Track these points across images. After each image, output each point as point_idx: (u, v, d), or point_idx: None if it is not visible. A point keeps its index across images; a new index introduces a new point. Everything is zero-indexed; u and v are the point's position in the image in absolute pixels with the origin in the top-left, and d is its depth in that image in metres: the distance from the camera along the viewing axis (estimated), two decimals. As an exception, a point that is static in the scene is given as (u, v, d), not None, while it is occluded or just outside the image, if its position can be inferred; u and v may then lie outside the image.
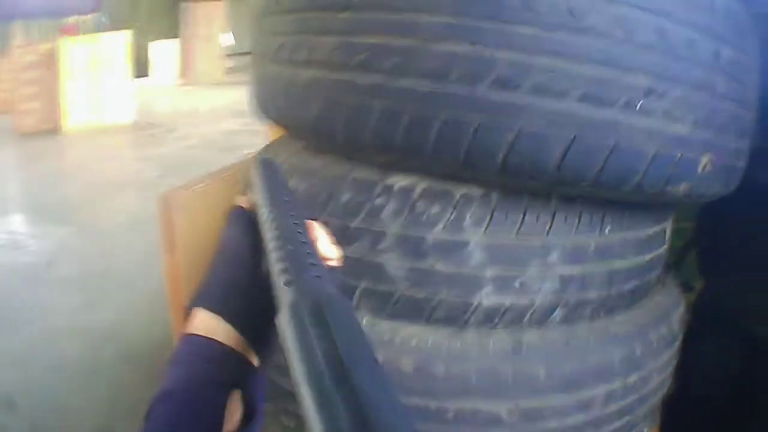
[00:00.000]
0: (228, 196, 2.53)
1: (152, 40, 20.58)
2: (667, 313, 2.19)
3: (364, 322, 1.99)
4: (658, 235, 2.13)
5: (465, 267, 1.88)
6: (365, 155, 1.97)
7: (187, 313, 0.97)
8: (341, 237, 1.92)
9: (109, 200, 8.24)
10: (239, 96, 16.68)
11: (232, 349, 0.90)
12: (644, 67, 1.72)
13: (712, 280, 2.74)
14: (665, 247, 2.20)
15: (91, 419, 3.92)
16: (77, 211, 7.82)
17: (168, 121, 14.19)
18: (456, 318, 1.95)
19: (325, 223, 1.88)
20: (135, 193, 8.52)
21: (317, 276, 0.79)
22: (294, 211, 0.99)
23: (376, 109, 1.81)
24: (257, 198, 1.08)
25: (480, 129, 1.71)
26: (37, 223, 7.45)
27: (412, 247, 1.90)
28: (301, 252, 0.85)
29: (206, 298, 0.95)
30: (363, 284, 1.98)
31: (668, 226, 2.20)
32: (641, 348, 2.05)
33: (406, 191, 1.92)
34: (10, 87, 12.85)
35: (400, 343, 1.94)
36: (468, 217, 1.88)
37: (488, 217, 1.88)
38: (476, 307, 1.92)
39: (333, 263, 1.00)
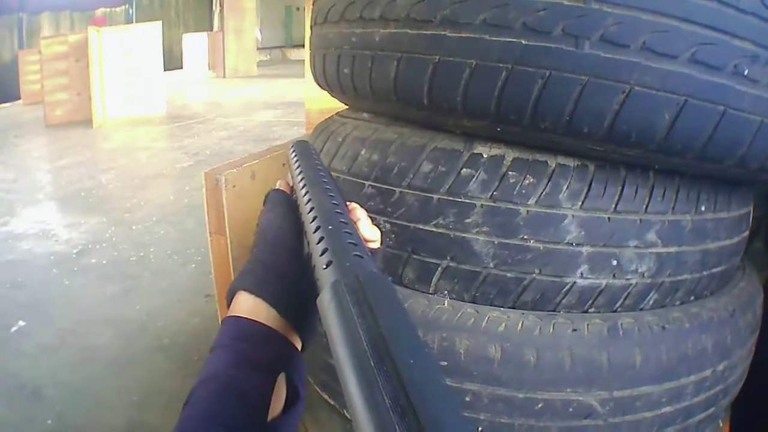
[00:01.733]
0: (276, 176, 2.40)
1: (184, 33, 20.68)
2: (752, 298, 2.06)
3: (446, 304, 1.80)
4: (744, 217, 2.01)
5: (560, 243, 1.71)
6: (450, 121, 1.78)
7: (229, 297, 0.94)
8: (422, 211, 1.78)
9: (141, 190, 8.13)
10: (271, 88, 16.88)
11: (277, 331, 0.88)
12: (749, 33, 1.59)
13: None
14: (748, 231, 2.08)
15: (121, 412, 3.69)
16: (110, 200, 7.72)
17: (200, 112, 14.22)
18: (547, 300, 1.77)
19: (403, 196, 1.73)
20: (168, 184, 8.43)
21: (358, 255, 0.77)
22: (332, 191, 0.97)
23: (468, 67, 1.62)
24: (294, 179, 1.07)
25: (586, 89, 1.54)
26: (68, 212, 7.31)
27: (503, 221, 1.71)
28: (341, 232, 0.83)
29: (249, 281, 0.92)
30: (445, 263, 1.79)
31: (751, 209, 2.08)
32: (731, 335, 1.91)
33: (496, 161, 1.74)
34: (40, 78, 12.83)
35: (485, 328, 1.75)
36: (564, 189, 1.70)
37: (585, 190, 1.71)
38: (570, 289, 1.75)
39: (374, 245, 0.99)
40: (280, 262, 0.94)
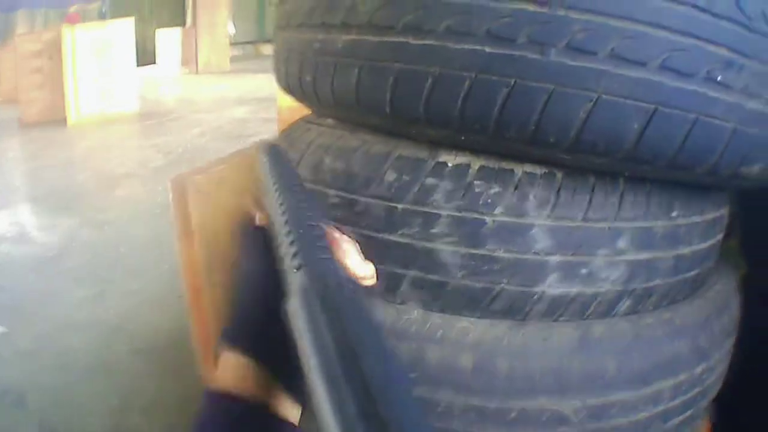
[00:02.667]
0: (245, 181, 2.38)
1: (156, 28, 20.63)
2: (727, 301, 2.07)
3: (414, 315, 1.80)
4: (718, 220, 2.01)
5: (528, 253, 1.70)
6: (413, 130, 1.78)
7: (215, 354, 0.91)
8: (386, 221, 1.77)
9: (116, 190, 8.17)
10: (244, 84, 16.89)
11: (262, 405, 0.84)
12: (723, 38, 1.57)
13: (756, 266, 2.59)
14: (723, 233, 2.08)
15: (102, 414, 3.74)
16: (84, 201, 7.74)
17: (174, 109, 14.22)
18: (517, 309, 1.77)
19: (368, 206, 1.72)
20: (142, 183, 8.46)
21: (328, 260, 0.78)
22: (303, 198, 0.96)
23: (430, 76, 1.61)
24: (265, 185, 1.04)
25: (552, 98, 1.53)
26: (43, 214, 7.33)
27: (470, 232, 1.71)
28: (312, 237, 0.83)
29: (232, 339, 0.89)
30: (412, 273, 1.79)
31: (726, 211, 2.08)
32: (706, 338, 1.92)
33: (462, 169, 1.73)
34: (14, 76, 12.79)
35: (455, 338, 1.76)
36: (531, 197, 1.70)
37: (553, 199, 1.71)
38: (540, 298, 1.75)
39: (368, 282, 0.96)
40: (265, 315, 0.89)
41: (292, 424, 0.86)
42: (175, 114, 13.49)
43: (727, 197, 2.09)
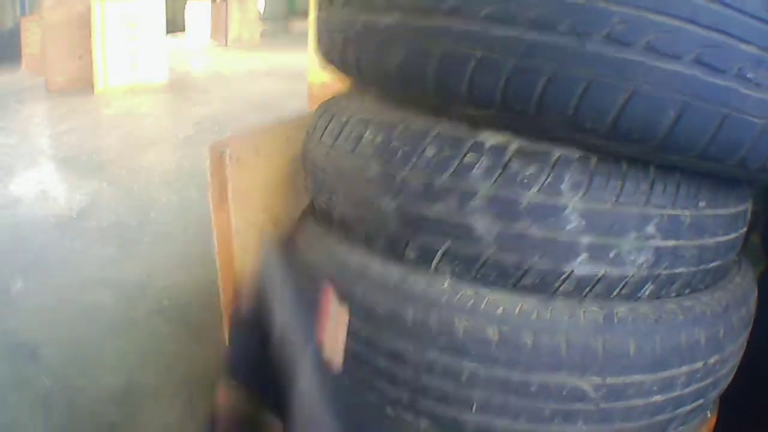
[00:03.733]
0: (281, 151, 2.43)
1: (187, 1, 20.57)
2: (745, 294, 2.14)
3: (445, 285, 1.89)
4: (742, 214, 2.07)
5: (560, 233, 1.78)
6: (455, 109, 1.85)
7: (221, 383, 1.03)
8: (424, 194, 1.85)
9: (142, 156, 8.19)
10: (274, 59, 16.90)
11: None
12: (754, 36, 1.63)
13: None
14: (746, 227, 2.14)
15: (119, 371, 3.78)
16: (110, 165, 7.78)
17: (202, 81, 14.26)
18: (545, 286, 1.85)
19: (407, 179, 1.78)
20: (169, 151, 8.48)
21: None
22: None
23: (473, 59, 1.69)
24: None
25: (590, 86, 1.61)
26: (69, 176, 7.37)
27: (505, 209, 1.79)
28: None
29: (233, 371, 1.02)
30: (447, 245, 1.87)
31: (749, 206, 2.14)
32: (724, 329, 1.99)
33: (499, 149, 1.81)
34: (42, 46, 12.78)
35: (484, 310, 1.84)
36: (566, 180, 1.77)
37: (587, 182, 1.78)
38: (568, 276, 1.83)
39: None
40: (258, 350, 1.01)
41: None
42: (204, 85, 13.52)
43: (751, 193, 2.14)
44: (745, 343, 2.15)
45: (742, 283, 2.15)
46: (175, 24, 18.22)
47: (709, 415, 2.24)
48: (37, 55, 13.15)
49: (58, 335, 4.11)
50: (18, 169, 7.52)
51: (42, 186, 6.96)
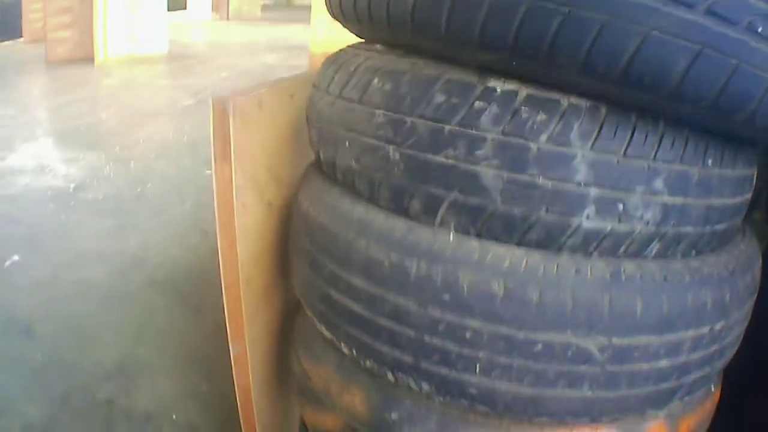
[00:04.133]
0: (284, 106, 2.41)
1: (188, -26, 20.68)
2: (751, 261, 2.11)
3: (450, 237, 1.83)
4: (748, 178, 2.05)
5: (568, 183, 1.74)
6: (466, 54, 1.81)
7: None
8: (432, 142, 1.81)
9: (140, 128, 8.20)
10: (274, 32, 16.96)
11: None
12: (763, -10, 1.63)
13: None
14: (751, 194, 2.12)
15: (113, 346, 3.74)
16: (108, 137, 7.78)
17: (203, 53, 14.35)
18: (552, 240, 1.81)
19: (414, 126, 1.75)
20: (168, 122, 8.51)
21: None
22: None
23: (486, 0, 1.65)
24: None
25: (604, 29, 1.58)
26: (66, 148, 7.35)
27: (513, 156, 1.75)
28: None
29: None
30: (453, 195, 1.82)
31: (755, 172, 2.11)
32: (730, 294, 1.95)
33: (509, 96, 1.77)
34: (41, 17, 12.83)
35: (490, 263, 1.78)
36: (575, 128, 1.73)
37: (596, 132, 1.74)
38: (575, 230, 1.78)
39: None
40: None
41: None
42: (204, 57, 13.62)
43: (756, 160, 2.12)
44: (750, 313, 2.13)
45: (747, 250, 2.13)
46: (177, -1, 18.31)
47: (713, 389, 2.21)
48: (39, 26, 13.19)
49: (52, 310, 4.07)
50: (16, 141, 7.50)
51: (40, 159, 6.94)
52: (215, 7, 21.17)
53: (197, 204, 5.42)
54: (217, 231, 2.25)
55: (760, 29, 1.60)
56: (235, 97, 2.18)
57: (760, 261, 2.17)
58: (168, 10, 14.33)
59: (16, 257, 4.74)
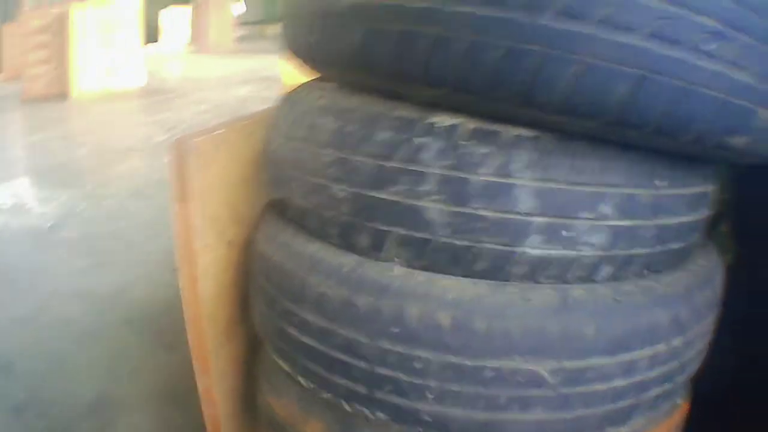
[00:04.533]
0: (243, 145, 2.43)
1: (163, 7, 20.68)
2: (711, 276, 2.12)
3: (397, 271, 1.88)
4: (704, 195, 2.05)
5: (512, 213, 1.76)
6: (410, 91, 1.84)
7: None
8: (376, 178, 1.84)
9: (116, 165, 8.27)
10: (249, 64, 16.99)
11: None
12: (713, 9, 1.62)
13: (748, 250, 2.61)
14: (710, 210, 2.12)
15: (91, 383, 3.80)
16: (84, 175, 7.87)
17: (178, 87, 14.36)
18: (498, 270, 1.83)
19: (359, 164, 1.77)
20: (143, 158, 8.56)
21: None
22: None
23: (427, 37, 1.68)
24: None
25: (543, 61, 1.60)
26: (42, 186, 7.43)
27: (456, 190, 1.77)
28: None
29: None
30: (398, 230, 1.86)
31: (714, 189, 2.11)
32: (687, 310, 1.96)
33: (451, 130, 1.79)
34: (19, 52, 12.86)
35: (436, 295, 1.81)
36: (518, 159, 1.76)
37: (539, 161, 1.76)
38: (521, 258, 1.81)
39: None
40: None
41: None
42: (179, 91, 13.62)
43: (716, 174, 2.12)
44: (714, 326, 2.14)
45: (707, 265, 2.14)
46: (152, 30, 18.32)
47: (679, 402, 2.22)
48: (17, 62, 13.22)
49: (31, 347, 4.15)
50: (-8, 180, 7.54)
51: (16, 198, 6.98)
52: (191, 40, 21.23)
53: (170, 241, 5.44)
54: (179, 270, 2.26)
55: (706, 48, 1.61)
56: (194, 138, 2.21)
57: (722, 275, 2.18)
58: (145, 43, 14.35)
59: (-7, 295, 4.78)
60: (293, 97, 2.22)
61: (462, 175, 1.76)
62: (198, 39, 21.18)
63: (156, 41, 19.83)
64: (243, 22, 22.19)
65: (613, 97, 1.61)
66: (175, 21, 21.06)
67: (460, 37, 1.64)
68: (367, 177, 1.85)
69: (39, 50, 12.61)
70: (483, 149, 1.75)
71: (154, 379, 3.80)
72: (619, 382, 1.88)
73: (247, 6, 22.25)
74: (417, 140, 1.79)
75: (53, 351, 4.10)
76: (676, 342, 1.94)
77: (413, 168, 1.79)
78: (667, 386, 2.02)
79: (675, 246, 1.98)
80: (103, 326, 4.42)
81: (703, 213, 2.06)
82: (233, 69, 16.78)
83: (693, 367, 2.12)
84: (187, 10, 21.46)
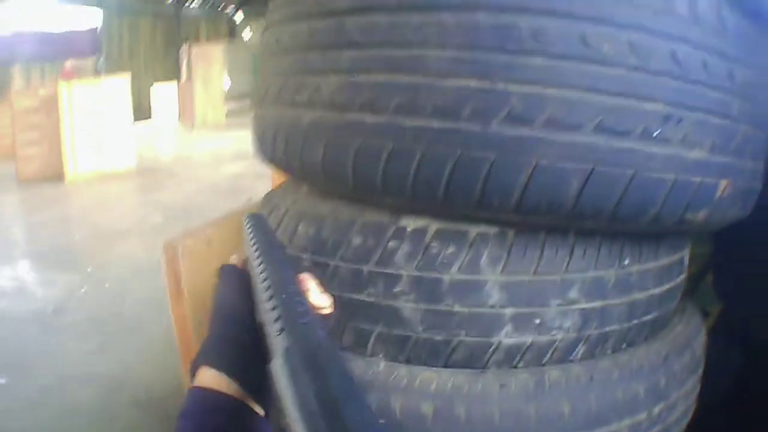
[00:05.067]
0: (232, 242, 2.50)
1: (152, 83, 20.70)
2: (689, 340, 2.17)
3: (381, 367, 1.97)
4: (676, 263, 2.11)
5: (483, 307, 1.86)
6: (374, 198, 1.95)
7: (192, 372, 1.02)
8: (354, 282, 1.93)
9: (114, 247, 8.33)
10: (240, 138, 17.03)
11: (238, 400, 0.96)
12: (660, 93, 1.69)
13: (731, 304, 2.66)
14: (684, 275, 2.19)
15: None
16: (83, 258, 7.93)
17: (170, 165, 14.41)
18: (476, 359, 1.93)
19: (337, 268, 1.83)
20: (140, 240, 8.61)
21: (307, 323, 0.84)
22: (284, 263, 1.06)
23: (385, 150, 1.78)
24: (249, 253, 1.15)
25: (494, 166, 1.68)
26: (43, 270, 7.52)
27: (428, 289, 1.87)
28: (292, 301, 0.90)
29: (208, 355, 1.01)
30: (378, 328, 1.96)
31: (686, 253, 2.18)
32: (665, 378, 2.03)
33: (420, 233, 1.90)
34: (10, 133, 12.84)
35: (418, 387, 1.91)
36: (484, 256, 1.85)
37: (505, 256, 1.85)
38: (496, 348, 1.90)
39: (325, 311, 1.06)
40: (236, 335, 1.02)
41: (261, 416, 0.98)
42: (172, 170, 13.61)
43: (688, 240, 2.19)
44: (697, 386, 2.19)
45: (685, 331, 2.19)
46: (141, 108, 18.34)
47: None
48: (8, 142, 13.20)
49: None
50: (-6, 263, 7.59)
51: (18, 282, 7.05)
52: (181, 116, 21.13)
53: (171, 323, 5.48)
54: (181, 362, 2.32)
55: (656, 133, 1.67)
56: (184, 238, 2.29)
57: (702, 335, 2.24)
58: (135, 120, 14.36)
59: (2, 380, 4.93)
60: (274, 198, 2.33)
61: (432, 275, 1.85)
62: (187, 114, 21.08)
63: (146, 118, 19.82)
64: (230, 96, 22.10)
65: (565, 192, 1.68)
66: (163, 97, 20.96)
67: (414, 149, 1.72)
68: (346, 281, 1.94)
69: (30, 131, 12.55)
70: (450, 249, 1.85)
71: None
72: (602, 454, 1.95)
73: (231, 81, 22.19)
74: (388, 245, 1.89)
75: (65, 434, 4.20)
76: (657, 409, 2.00)
77: (387, 271, 1.89)
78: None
79: (649, 318, 2.04)
80: (112, 409, 4.50)
81: (677, 280, 2.12)
82: (223, 144, 16.75)
83: (680, 426, 2.17)
84: (173, 86, 21.37)
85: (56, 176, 12.36)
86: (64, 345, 5.50)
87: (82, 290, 6.73)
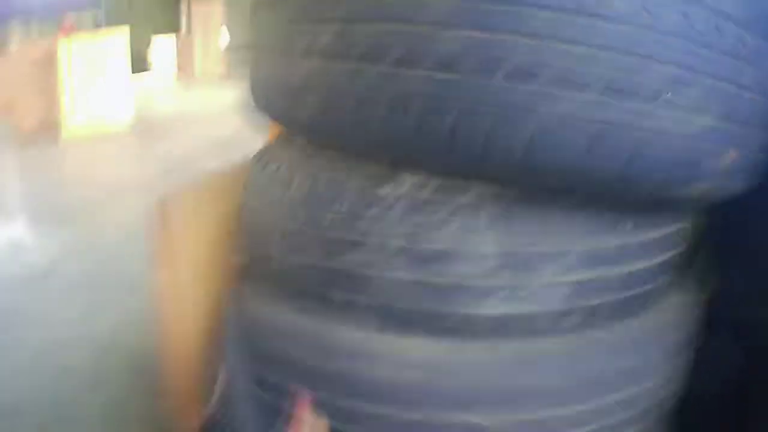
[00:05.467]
0: (228, 199, 2.43)
1: (150, 37, 20.60)
2: (684, 314, 2.13)
3: (364, 336, 1.89)
4: (675, 234, 2.05)
5: (475, 273, 1.78)
6: (371, 153, 1.87)
7: None
8: (341, 246, 1.86)
9: (109, 205, 8.18)
10: (239, 90, 16.81)
11: None
12: (671, 55, 1.62)
13: (728, 279, 2.61)
14: (682, 247, 2.13)
15: (97, 426, 3.86)
16: (78, 216, 7.76)
17: (169, 120, 14.25)
18: (464, 329, 1.85)
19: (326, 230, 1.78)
20: (136, 197, 8.43)
21: None
22: None
23: (383, 102, 1.69)
24: None
25: (497, 122, 1.60)
26: (38, 228, 7.35)
27: (420, 250, 1.80)
28: None
29: None
30: (364, 296, 1.88)
31: (686, 225, 2.11)
32: (657, 352, 2.01)
33: (415, 190, 1.81)
34: (8, 88, 12.78)
35: (404, 357, 1.85)
36: (480, 218, 1.77)
37: (501, 219, 1.78)
38: (486, 317, 1.83)
39: None
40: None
41: None
42: (171, 125, 13.50)
43: (687, 212, 2.13)
44: (689, 362, 2.14)
45: (681, 303, 2.15)
46: (140, 62, 18.25)
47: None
48: (6, 98, 13.16)
49: (36, 394, 4.16)
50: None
51: (11, 241, 6.95)
52: (180, 68, 21.06)
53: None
54: (162, 326, 2.28)
55: (666, 95, 1.61)
56: (177, 196, 2.23)
57: (696, 310, 2.18)
58: (133, 73, 14.29)
59: (-8, 341, 4.87)
60: (266, 154, 2.24)
61: (426, 234, 1.78)
62: (186, 68, 21.00)
63: (146, 71, 19.74)
64: (229, 48, 22.04)
65: (570, 155, 1.62)
66: (162, 51, 20.89)
67: (414, 101, 1.65)
68: (337, 240, 1.87)
69: (29, 86, 12.52)
70: (447, 208, 1.78)
71: (158, 425, 3.81)
72: (592, 427, 1.90)
73: (230, 33, 22.13)
74: (384, 201, 1.81)
75: (58, 397, 4.12)
76: (650, 383, 1.97)
77: (379, 230, 1.81)
78: (643, 425, 2.04)
79: (645, 289, 1.99)
80: (104, 371, 4.44)
81: (672, 253, 2.06)
82: (223, 99, 16.67)
83: (670, 403, 2.13)
84: (172, 39, 21.30)
85: (53, 130, 12.31)
86: (55, 307, 5.39)
87: (76, 250, 6.65)
